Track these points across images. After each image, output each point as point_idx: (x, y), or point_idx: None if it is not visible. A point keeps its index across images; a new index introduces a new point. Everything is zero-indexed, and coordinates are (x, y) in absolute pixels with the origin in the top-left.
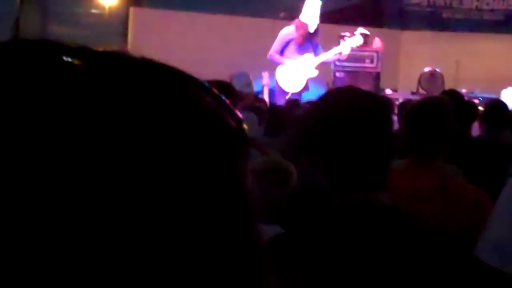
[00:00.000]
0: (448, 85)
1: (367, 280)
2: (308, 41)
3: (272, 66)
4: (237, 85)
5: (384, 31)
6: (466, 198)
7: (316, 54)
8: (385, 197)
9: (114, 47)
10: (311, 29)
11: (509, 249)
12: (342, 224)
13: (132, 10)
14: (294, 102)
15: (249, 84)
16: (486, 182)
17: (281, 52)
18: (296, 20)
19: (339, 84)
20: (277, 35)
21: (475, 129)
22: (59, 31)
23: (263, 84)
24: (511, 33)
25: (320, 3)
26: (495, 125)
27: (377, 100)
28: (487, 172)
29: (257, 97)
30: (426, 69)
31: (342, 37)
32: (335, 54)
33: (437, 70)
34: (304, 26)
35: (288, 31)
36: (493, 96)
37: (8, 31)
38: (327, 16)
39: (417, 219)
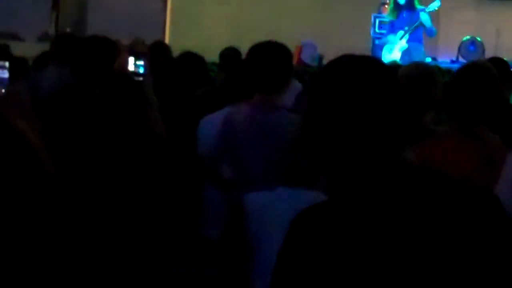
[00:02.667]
0: (488, 54)
1: (418, 246)
2: (405, 13)
3: (315, 34)
4: (305, 56)
5: None
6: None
7: (414, 23)
8: (414, 157)
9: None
10: (402, 2)
11: None
12: (386, 188)
13: None
14: None
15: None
16: None
17: (390, 26)
18: None
19: (377, 51)
20: (319, 2)
21: None
22: None
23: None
24: None
25: None
26: None
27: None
28: None
29: None
30: (466, 38)
31: (383, 4)
32: (419, 24)
33: (478, 38)
34: (394, 1)
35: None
36: None
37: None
38: None
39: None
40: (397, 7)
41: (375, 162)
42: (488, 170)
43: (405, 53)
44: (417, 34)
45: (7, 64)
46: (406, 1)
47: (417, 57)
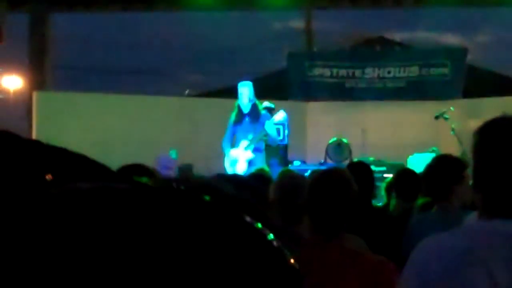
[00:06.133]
0: (355, 154)
1: None
2: (249, 121)
3: (180, 143)
4: (158, 167)
5: (289, 103)
6: (373, 269)
7: (258, 132)
8: None
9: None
10: (245, 110)
11: None
12: None
13: (35, 93)
14: None
15: (171, 168)
16: (390, 251)
17: (232, 135)
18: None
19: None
20: (183, 111)
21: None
22: None
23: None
24: (413, 100)
25: (250, 84)
26: (406, 194)
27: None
28: (390, 241)
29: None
30: (333, 139)
31: None
32: (265, 135)
33: (344, 139)
34: (238, 108)
35: (231, 116)
36: (399, 162)
37: None
38: (231, 91)
39: None
40: (240, 114)
41: None
42: (349, 275)
43: (250, 163)
44: (259, 143)
45: None
46: (249, 110)
47: (260, 166)
